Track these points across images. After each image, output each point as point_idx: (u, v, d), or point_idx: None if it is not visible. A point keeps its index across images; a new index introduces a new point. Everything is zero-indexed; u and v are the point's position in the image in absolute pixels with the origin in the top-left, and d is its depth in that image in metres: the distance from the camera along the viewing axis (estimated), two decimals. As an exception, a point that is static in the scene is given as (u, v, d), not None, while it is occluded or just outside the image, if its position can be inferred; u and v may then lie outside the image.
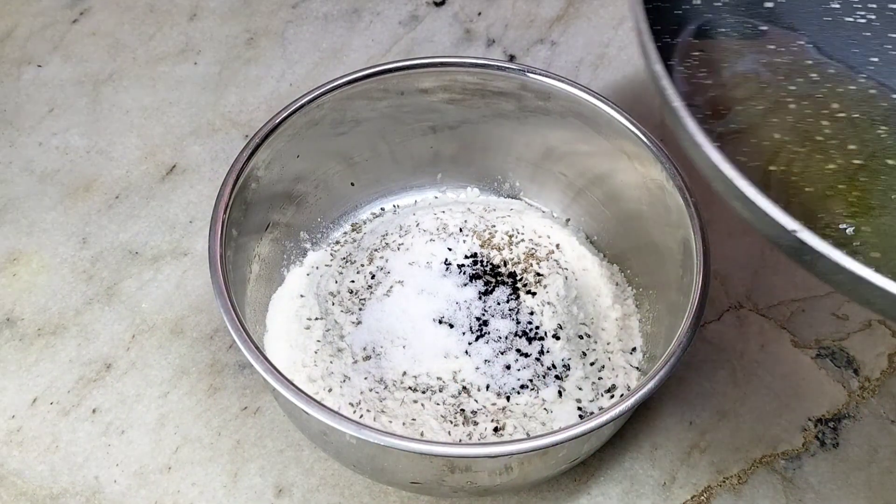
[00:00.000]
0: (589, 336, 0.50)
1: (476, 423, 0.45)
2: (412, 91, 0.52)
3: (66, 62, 0.68)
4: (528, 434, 0.45)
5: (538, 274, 0.50)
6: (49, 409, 0.52)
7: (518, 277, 0.49)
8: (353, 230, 0.56)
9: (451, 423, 0.45)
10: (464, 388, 0.46)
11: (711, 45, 0.39)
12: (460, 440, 0.45)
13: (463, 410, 0.45)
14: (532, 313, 0.48)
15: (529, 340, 0.47)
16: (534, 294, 0.49)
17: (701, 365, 0.54)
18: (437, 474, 0.42)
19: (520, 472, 0.43)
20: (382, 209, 0.57)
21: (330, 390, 0.48)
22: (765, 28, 0.39)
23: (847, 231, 0.33)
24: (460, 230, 0.51)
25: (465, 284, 0.48)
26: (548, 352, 0.47)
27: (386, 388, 0.46)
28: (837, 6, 0.39)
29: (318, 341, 0.50)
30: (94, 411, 0.52)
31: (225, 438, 0.51)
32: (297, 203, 0.54)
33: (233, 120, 0.65)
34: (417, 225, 0.51)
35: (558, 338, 0.47)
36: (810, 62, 0.38)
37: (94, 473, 0.49)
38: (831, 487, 0.49)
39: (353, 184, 0.56)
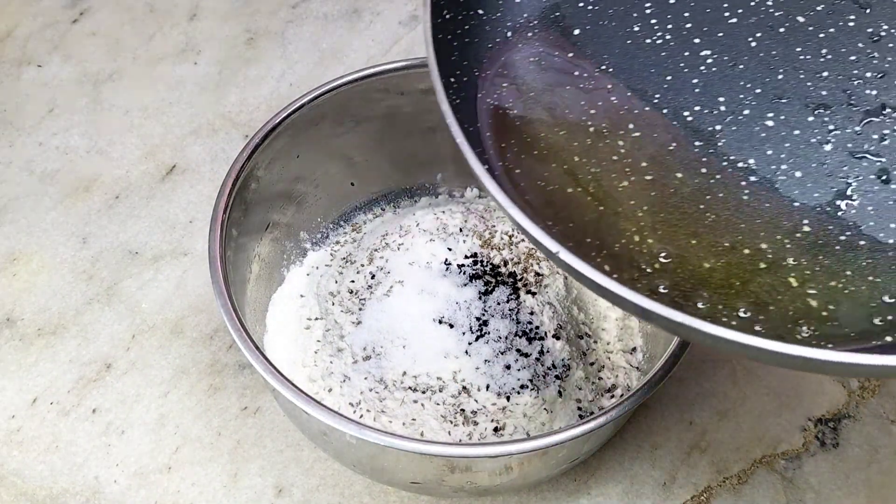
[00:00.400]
0: (589, 336, 0.50)
1: (476, 423, 0.45)
2: (412, 91, 0.52)
3: (66, 62, 0.68)
4: (528, 434, 0.45)
5: (538, 274, 0.50)
6: (49, 409, 0.52)
7: (518, 277, 0.49)
8: (353, 230, 0.56)
9: (451, 423, 0.45)
10: (464, 388, 0.46)
11: (520, 75, 0.41)
12: (460, 440, 0.45)
13: (463, 410, 0.45)
14: (532, 313, 0.48)
15: (529, 340, 0.47)
16: (534, 294, 0.49)
17: (701, 365, 0.54)
18: (437, 474, 0.42)
19: (520, 473, 0.43)
20: (382, 209, 0.57)
21: (330, 390, 0.48)
22: (571, 55, 0.40)
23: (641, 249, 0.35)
24: (460, 230, 0.51)
25: (465, 284, 0.48)
26: (548, 352, 0.47)
27: (386, 388, 0.46)
28: (637, 28, 0.41)
29: (318, 341, 0.50)
30: (93, 411, 0.52)
31: (225, 438, 0.51)
32: (297, 203, 0.54)
33: (233, 120, 0.65)
34: (417, 225, 0.51)
35: (558, 338, 0.47)
36: (610, 86, 0.40)
37: (94, 473, 0.49)
38: (831, 487, 0.49)
39: (353, 184, 0.56)
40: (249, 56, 0.69)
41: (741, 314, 0.33)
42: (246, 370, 0.53)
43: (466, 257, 0.50)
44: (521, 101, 0.40)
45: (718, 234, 0.36)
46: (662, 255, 0.35)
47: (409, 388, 0.46)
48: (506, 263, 0.50)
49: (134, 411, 0.52)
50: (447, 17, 0.40)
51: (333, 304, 0.50)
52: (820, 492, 0.49)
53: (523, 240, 0.52)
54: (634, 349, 0.51)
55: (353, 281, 0.50)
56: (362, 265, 0.51)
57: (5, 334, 0.55)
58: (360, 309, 0.49)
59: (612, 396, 0.48)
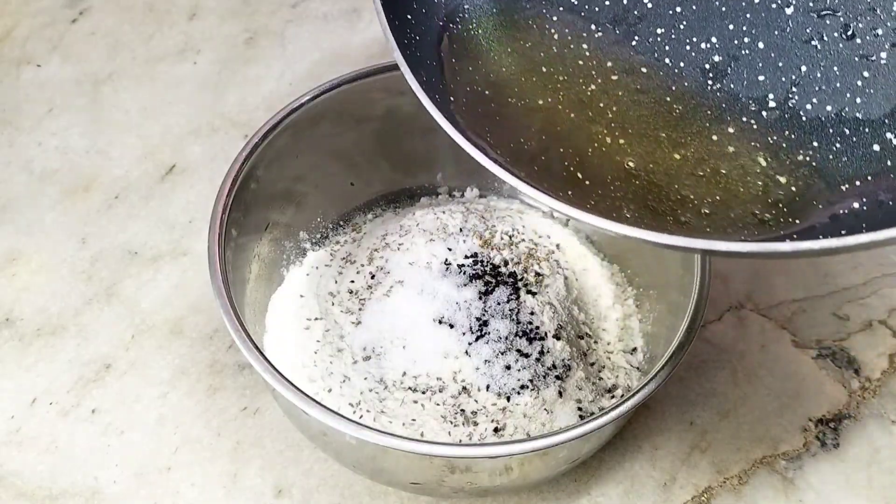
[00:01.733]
0: (589, 336, 0.50)
1: (476, 424, 0.45)
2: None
3: (66, 62, 0.68)
4: (528, 434, 0.45)
5: (538, 274, 0.50)
6: (48, 410, 0.52)
7: (518, 277, 0.49)
8: (353, 230, 0.56)
9: (452, 423, 0.45)
10: (464, 388, 0.46)
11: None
12: (460, 441, 0.45)
13: (463, 411, 0.45)
14: (532, 313, 0.48)
15: (530, 341, 0.47)
16: (534, 294, 0.48)
17: (701, 365, 0.54)
18: (437, 475, 0.42)
19: (520, 473, 0.43)
20: (382, 209, 0.57)
21: (330, 390, 0.47)
22: None
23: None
24: (460, 230, 0.51)
25: (465, 284, 0.48)
26: (548, 352, 0.47)
27: (386, 388, 0.46)
28: None
29: (318, 341, 0.50)
30: (93, 411, 0.51)
31: (224, 439, 0.50)
32: (296, 203, 0.53)
33: (232, 120, 0.65)
34: (417, 225, 0.51)
35: (559, 338, 0.47)
36: None
37: (94, 474, 0.49)
38: (832, 488, 0.49)
39: (353, 184, 0.56)
40: (249, 56, 0.69)
41: (705, 209, 0.33)
42: (245, 370, 0.53)
43: (466, 257, 0.50)
44: (485, 17, 0.39)
45: (686, 123, 0.35)
46: (634, 155, 0.34)
47: (409, 388, 0.46)
48: (506, 263, 0.50)
49: (133, 411, 0.51)
50: None
51: (333, 304, 0.50)
52: (821, 492, 0.49)
53: (523, 239, 0.51)
54: (635, 349, 0.51)
55: (352, 281, 0.50)
56: (362, 265, 0.50)
57: (4, 334, 0.54)
58: (360, 309, 0.49)
59: (613, 397, 0.48)
